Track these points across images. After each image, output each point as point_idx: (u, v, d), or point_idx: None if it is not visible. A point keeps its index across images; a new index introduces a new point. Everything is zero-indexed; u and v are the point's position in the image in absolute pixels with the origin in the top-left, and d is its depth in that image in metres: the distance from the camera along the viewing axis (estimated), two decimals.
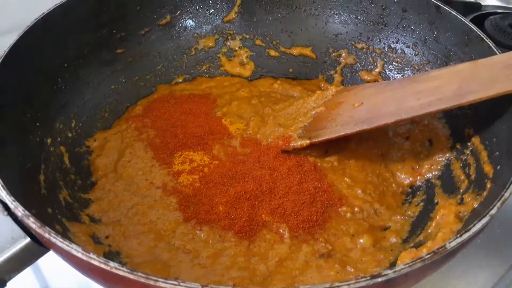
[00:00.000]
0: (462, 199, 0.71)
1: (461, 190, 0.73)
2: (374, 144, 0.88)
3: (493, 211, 0.52)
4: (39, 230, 0.49)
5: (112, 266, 0.45)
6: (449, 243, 0.48)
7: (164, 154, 0.85)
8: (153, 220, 0.75)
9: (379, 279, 0.45)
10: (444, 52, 0.87)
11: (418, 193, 0.81)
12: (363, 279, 0.44)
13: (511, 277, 0.80)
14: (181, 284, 0.44)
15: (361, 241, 0.73)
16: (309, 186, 0.79)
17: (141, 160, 0.84)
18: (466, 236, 0.49)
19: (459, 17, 0.83)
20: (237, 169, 0.82)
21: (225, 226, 0.74)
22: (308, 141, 0.83)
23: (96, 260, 0.46)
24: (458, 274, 0.79)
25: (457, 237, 0.49)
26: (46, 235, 0.49)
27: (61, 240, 0.48)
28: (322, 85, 1.02)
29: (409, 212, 0.78)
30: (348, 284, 0.44)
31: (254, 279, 0.67)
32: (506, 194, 0.54)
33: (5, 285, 0.56)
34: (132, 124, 0.91)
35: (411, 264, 0.46)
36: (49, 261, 0.78)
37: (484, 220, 0.51)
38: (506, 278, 0.80)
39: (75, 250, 0.47)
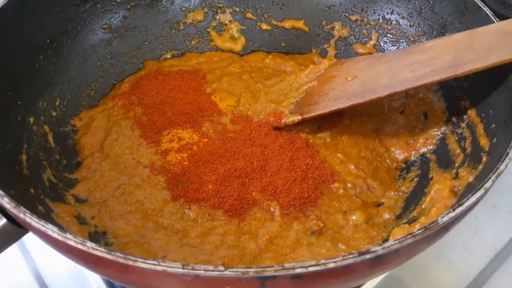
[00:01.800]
0: (457, 174, 0.69)
1: (457, 164, 0.71)
2: (368, 119, 0.86)
3: (487, 184, 0.50)
4: (14, 210, 0.47)
5: (89, 246, 0.44)
6: (441, 217, 0.47)
7: (151, 132, 0.83)
8: (140, 199, 0.73)
9: (368, 256, 0.43)
10: (440, 22, 0.84)
11: (412, 168, 0.79)
12: (351, 255, 0.43)
13: (507, 252, 0.79)
14: (161, 264, 0.42)
15: (354, 217, 0.71)
16: (300, 163, 0.77)
17: (128, 138, 0.82)
18: (459, 210, 0.47)
19: None
20: (227, 147, 0.80)
21: (215, 204, 0.72)
22: (300, 117, 0.81)
23: (72, 241, 0.44)
24: (454, 250, 0.78)
25: (449, 212, 0.47)
26: (21, 215, 0.47)
27: (36, 220, 0.46)
28: (316, 59, 0.99)
29: (403, 188, 0.76)
30: (335, 262, 0.42)
31: (244, 257, 0.66)
32: (502, 167, 0.52)
33: None
34: (118, 102, 0.88)
35: (401, 240, 0.44)
36: (39, 245, 0.78)
37: (478, 194, 0.49)
38: (502, 254, 0.79)
39: (51, 231, 0.45)
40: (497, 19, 0.71)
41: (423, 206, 0.69)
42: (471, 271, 0.76)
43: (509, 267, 0.77)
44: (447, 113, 0.80)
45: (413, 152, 0.80)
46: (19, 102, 0.74)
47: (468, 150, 0.70)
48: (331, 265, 0.42)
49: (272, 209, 0.72)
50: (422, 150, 0.80)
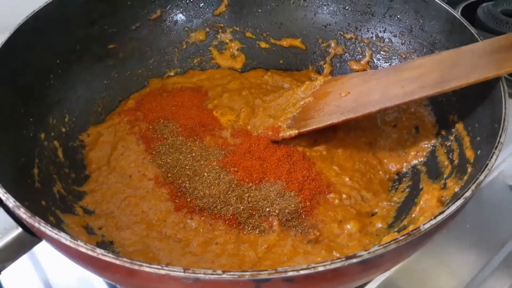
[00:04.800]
0: (445, 184, 0.72)
1: (445, 176, 0.74)
2: (362, 133, 0.89)
3: (467, 194, 0.53)
4: (30, 220, 0.51)
5: (99, 253, 0.47)
6: (423, 225, 0.50)
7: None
8: (145, 210, 0.76)
9: (354, 260, 0.46)
10: (430, 40, 0.88)
11: (404, 179, 0.82)
12: (338, 260, 0.46)
13: (500, 258, 0.81)
14: (164, 268, 0.46)
15: (348, 227, 0.74)
16: (297, 175, 0.81)
17: (134, 152, 0.86)
18: (440, 218, 0.51)
19: (443, 5, 0.84)
20: (228, 160, 0.84)
21: (216, 215, 0.75)
22: (296, 131, 0.85)
23: (83, 247, 0.48)
24: (449, 255, 0.80)
25: (431, 219, 0.51)
26: (36, 224, 0.51)
27: (50, 229, 0.50)
28: (312, 75, 1.04)
29: (395, 198, 0.79)
30: (324, 265, 0.46)
31: (243, 265, 0.69)
32: (481, 177, 0.55)
33: None
34: (124, 118, 0.92)
35: (385, 245, 0.48)
36: (49, 255, 0.81)
37: (458, 203, 0.52)
38: (496, 260, 0.81)
39: (64, 238, 0.49)
40: (481, 37, 0.75)
41: (413, 216, 0.72)
42: (467, 275, 0.77)
43: (503, 271, 0.79)
44: (437, 127, 0.83)
45: (404, 164, 0.84)
46: (31, 119, 0.78)
47: (456, 162, 0.74)
48: (320, 268, 0.46)
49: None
50: (414, 162, 0.83)
